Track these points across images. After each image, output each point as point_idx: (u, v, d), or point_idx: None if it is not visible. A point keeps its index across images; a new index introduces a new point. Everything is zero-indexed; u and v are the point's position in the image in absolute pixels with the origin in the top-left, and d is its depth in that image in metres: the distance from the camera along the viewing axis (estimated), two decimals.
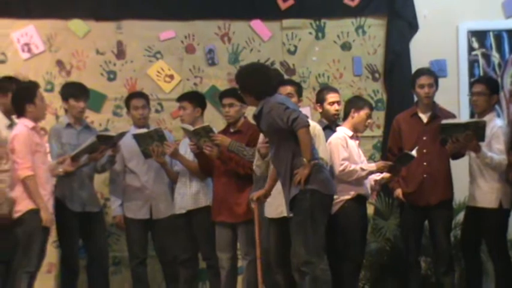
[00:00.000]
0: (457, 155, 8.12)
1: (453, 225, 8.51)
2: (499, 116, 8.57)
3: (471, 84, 8.47)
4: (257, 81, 6.97)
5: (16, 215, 7.54)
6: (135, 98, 8.64)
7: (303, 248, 6.58)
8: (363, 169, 7.88)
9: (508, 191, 7.99)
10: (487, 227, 8.13)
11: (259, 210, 7.30)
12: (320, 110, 8.27)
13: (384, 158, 8.40)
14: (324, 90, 8.45)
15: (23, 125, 7.61)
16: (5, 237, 7.58)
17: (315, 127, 7.61)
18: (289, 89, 7.77)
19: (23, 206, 7.52)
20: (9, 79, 8.19)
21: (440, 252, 8.22)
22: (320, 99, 8.30)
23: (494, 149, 7.97)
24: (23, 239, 7.54)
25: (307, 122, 6.68)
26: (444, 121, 7.85)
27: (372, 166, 7.99)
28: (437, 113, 8.25)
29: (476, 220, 8.18)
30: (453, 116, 8.36)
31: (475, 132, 7.75)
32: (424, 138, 8.12)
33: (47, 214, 7.52)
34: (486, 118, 8.08)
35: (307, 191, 6.64)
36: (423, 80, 8.21)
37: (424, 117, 8.24)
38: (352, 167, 7.81)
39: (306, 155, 6.63)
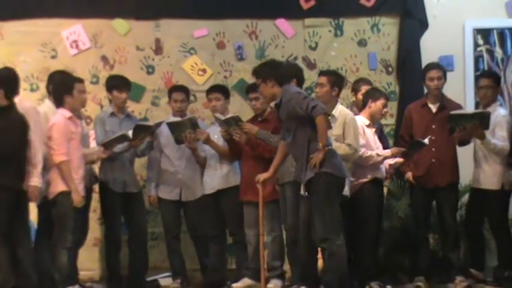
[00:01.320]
0: (464, 142, 8.15)
1: (459, 205, 8.50)
2: (501, 105, 8.53)
3: (477, 78, 8.47)
4: (275, 67, 7.10)
5: (50, 197, 7.60)
6: (176, 91, 8.66)
7: (321, 226, 6.63)
8: (378, 155, 7.94)
9: (509, 174, 8.02)
10: (490, 207, 8.19)
11: (264, 191, 7.30)
12: (354, 99, 8.40)
13: (397, 145, 8.41)
14: (360, 81, 8.58)
15: (61, 115, 7.65)
16: None
17: (348, 114, 7.73)
18: (322, 79, 7.82)
19: (56, 188, 7.56)
20: (60, 73, 8.23)
21: (447, 230, 8.26)
22: (354, 89, 8.45)
23: (497, 136, 8.01)
24: (56, 218, 7.60)
25: (325, 109, 6.69)
26: (452, 112, 7.90)
27: (387, 152, 8.04)
28: (445, 103, 8.27)
29: (480, 201, 8.23)
30: (459, 107, 8.37)
31: (480, 121, 7.79)
32: (433, 126, 8.16)
33: (78, 196, 7.55)
34: (490, 108, 8.13)
35: (322, 174, 6.67)
36: (433, 73, 8.26)
37: (433, 108, 8.27)
38: (369, 153, 7.87)
39: (322, 140, 6.65)
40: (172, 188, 8.56)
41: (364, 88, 8.33)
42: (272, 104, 7.78)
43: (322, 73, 8.07)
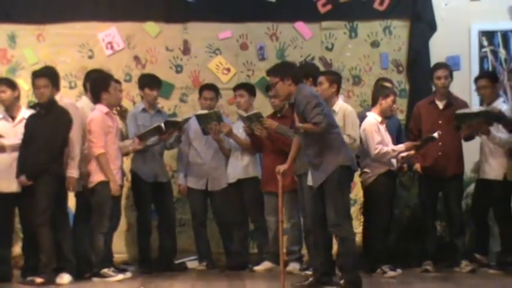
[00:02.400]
0: (469, 138, 8.13)
1: (464, 195, 8.53)
2: (505, 102, 8.48)
3: (475, 80, 8.42)
4: (291, 66, 7.14)
5: (90, 186, 7.70)
6: (207, 89, 8.68)
7: (333, 212, 6.64)
8: (394, 150, 7.97)
9: (508, 166, 8.00)
10: (494, 197, 8.17)
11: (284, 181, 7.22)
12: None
13: (407, 139, 8.32)
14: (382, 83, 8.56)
15: (99, 110, 7.75)
16: None
17: (347, 108, 7.67)
18: (323, 80, 7.66)
19: (96, 178, 7.67)
20: (97, 71, 8.32)
21: (453, 218, 8.28)
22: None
23: (502, 129, 7.98)
24: (95, 206, 7.70)
25: (324, 127, 6.62)
26: (458, 111, 7.89)
27: (401, 147, 8.03)
28: (451, 101, 8.28)
29: (485, 191, 8.22)
30: (465, 104, 8.37)
31: (485, 118, 7.78)
32: (440, 122, 8.16)
33: (115, 185, 7.67)
34: (494, 104, 8.13)
35: (337, 167, 6.68)
36: (440, 72, 8.27)
37: (440, 104, 8.27)
38: (385, 149, 7.90)
39: (303, 127, 6.71)
40: (199, 178, 8.62)
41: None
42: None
43: (321, 73, 7.97)
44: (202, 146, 8.61)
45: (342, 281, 6.62)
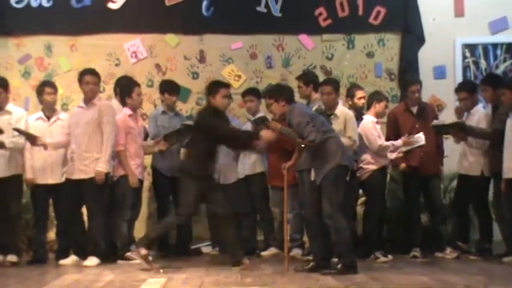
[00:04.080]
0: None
1: (448, 189, 8.60)
2: (484, 107, 8.51)
3: (455, 92, 8.41)
4: (285, 89, 7.20)
5: (114, 179, 7.78)
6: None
7: (328, 205, 6.66)
8: (393, 145, 8.04)
9: (487, 163, 8.02)
10: (473, 191, 8.21)
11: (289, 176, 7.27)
12: (350, 103, 8.29)
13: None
14: (353, 87, 8.49)
15: (123, 112, 7.84)
16: None
17: (348, 113, 7.80)
18: (328, 88, 7.85)
19: (117, 172, 7.77)
20: (124, 78, 8.38)
21: (436, 209, 8.30)
22: (350, 95, 8.36)
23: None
24: (118, 196, 7.77)
25: (317, 141, 6.70)
26: (435, 122, 7.98)
27: (399, 142, 8.08)
28: (422, 105, 8.31)
29: (465, 185, 8.25)
30: (433, 107, 8.52)
31: (458, 128, 7.90)
32: (417, 125, 8.19)
33: (134, 179, 7.72)
34: (473, 111, 8.17)
35: (335, 166, 6.73)
36: (415, 87, 8.27)
37: (414, 110, 8.28)
38: (386, 143, 7.99)
39: (299, 142, 6.86)
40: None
41: (358, 93, 8.30)
42: None
43: (326, 82, 8.04)
44: None
45: (339, 266, 6.65)
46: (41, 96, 7.96)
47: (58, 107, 8.50)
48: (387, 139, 8.26)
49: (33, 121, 7.94)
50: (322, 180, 6.75)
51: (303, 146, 6.80)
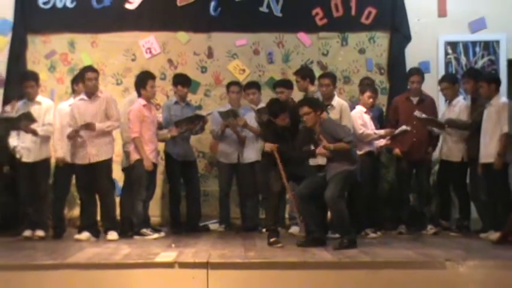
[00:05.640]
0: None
1: (432, 172, 8.53)
2: (464, 98, 8.50)
3: (438, 83, 8.44)
4: (319, 102, 7.27)
5: (130, 163, 7.83)
6: (233, 85, 8.71)
7: (332, 193, 6.75)
8: (375, 133, 8.04)
9: (466, 150, 8.04)
10: (453, 175, 8.24)
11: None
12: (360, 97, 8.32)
13: (384, 127, 8.35)
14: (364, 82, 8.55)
15: (138, 102, 7.85)
16: None
17: (343, 104, 7.84)
18: (327, 81, 7.90)
19: (134, 156, 7.78)
20: (142, 72, 8.29)
21: (423, 191, 8.33)
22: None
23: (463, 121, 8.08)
24: (134, 178, 7.80)
25: (351, 142, 6.94)
26: (416, 113, 8.01)
27: (382, 132, 8.12)
28: (423, 97, 8.31)
29: (446, 169, 8.27)
30: (433, 101, 8.43)
31: (434, 122, 8.03)
32: (415, 113, 8.11)
33: (148, 162, 7.72)
34: (454, 102, 8.21)
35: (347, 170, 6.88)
36: (414, 78, 8.30)
37: (414, 100, 8.29)
38: (368, 131, 7.97)
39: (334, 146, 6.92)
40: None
41: (367, 95, 8.21)
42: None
43: (325, 76, 8.07)
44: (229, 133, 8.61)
45: (345, 241, 6.68)
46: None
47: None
48: (389, 124, 8.29)
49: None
50: (334, 174, 6.81)
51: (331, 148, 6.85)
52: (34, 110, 7.87)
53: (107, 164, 7.74)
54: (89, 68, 7.89)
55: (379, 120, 8.46)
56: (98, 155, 7.67)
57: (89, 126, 7.60)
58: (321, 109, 7.05)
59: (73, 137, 7.65)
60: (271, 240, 6.96)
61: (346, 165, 6.87)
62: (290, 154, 7.09)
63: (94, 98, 7.75)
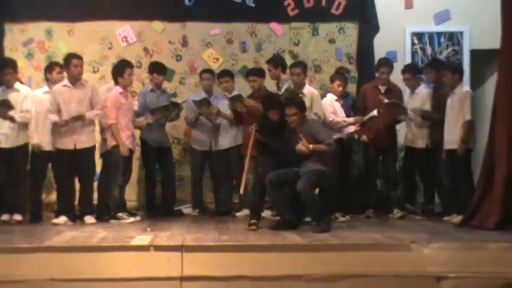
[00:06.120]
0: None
1: (399, 158, 8.58)
2: (425, 87, 8.51)
3: (402, 72, 8.44)
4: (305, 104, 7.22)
5: (107, 149, 7.77)
6: (205, 72, 8.67)
7: (305, 183, 6.77)
8: (344, 121, 8.05)
9: (430, 136, 8.10)
10: (418, 160, 8.29)
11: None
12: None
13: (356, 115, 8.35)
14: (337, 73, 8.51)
15: (115, 90, 7.80)
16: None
17: (314, 92, 7.81)
18: (298, 70, 7.87)
19: (110, 142, 7.73)
20: (120, 61, 8.21)
21: (390, 177, 8.37)
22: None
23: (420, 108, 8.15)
24: (111, 164, 7.75)
25: (332, 145, 7.05)
26: (380, 97, 8.09)
27: (351, 119, 8.13)
28: (391, 87, 8.33)
29: (411, 156, 8.34)
30: (400, 90, 8.44)
31: (395, 106, 8.06)
32: (380, 97, 8.16)
33: (124, 148, 7.66)
34: (417, 90, 8.27)
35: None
36: (383, 68, 8.31)
37: (382, 89, 8.30)
38: (337, 119, 7.98)
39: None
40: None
41: (336, 84, 8.23)
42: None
43: (296, 65, 8.03)
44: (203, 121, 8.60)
45: (321, 224, 6.72)
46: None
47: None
48: (358, 111, 8.30)
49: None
50: (308, 170, 6.85)
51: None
52: (12, 97, 7.79)
53: (92, 150, 7.73)
54: (74, 55, 7.78)
55: (352, 109, 8.48)
56: (85, 142, 7.64)
57: (80, 118, 7.57)
58: (305, 110, 7.12)
59: (61, 126, 7.59)
60: (252, 221, 6.98)
61: (319, 166, 6.90)
62: (280, 149, 7.10)
63: (78, 85, 7.67)
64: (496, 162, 6.89)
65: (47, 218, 7.85)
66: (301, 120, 7.03)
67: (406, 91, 8.58)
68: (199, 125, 8.59)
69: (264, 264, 5.59)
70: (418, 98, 8.24)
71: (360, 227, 7.13)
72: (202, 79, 8.64)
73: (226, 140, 8.48)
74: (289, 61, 8.70)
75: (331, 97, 8.13)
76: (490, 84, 8.65)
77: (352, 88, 9.13)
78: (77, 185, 7.81)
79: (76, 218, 7.65)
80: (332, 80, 8.27)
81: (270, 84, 8.51)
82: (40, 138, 7.80)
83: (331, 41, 9.47)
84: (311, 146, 6.89)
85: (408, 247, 5.72)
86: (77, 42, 9.20)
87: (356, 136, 8.36)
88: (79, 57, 7.75)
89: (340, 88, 8.18)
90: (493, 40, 7.53)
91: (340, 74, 8.47)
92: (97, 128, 8.09)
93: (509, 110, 6.86)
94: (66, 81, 7.70)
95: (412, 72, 8.38)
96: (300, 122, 7.02)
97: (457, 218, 7.37)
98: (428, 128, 8.15)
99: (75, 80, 7.66)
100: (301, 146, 6.91)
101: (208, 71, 8.78)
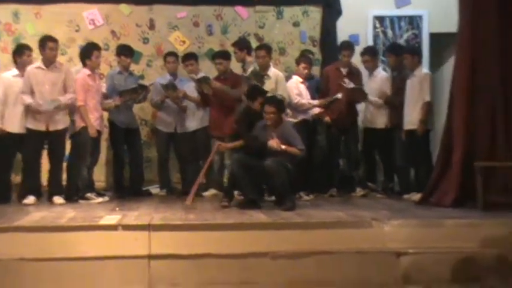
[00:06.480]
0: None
1: (360, 138, 8.64)
2: (384, 69, 8.68)
3: (360, 55, 8.50)
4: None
5: (76, 130, 7.70)
6: (169, 55, 8.63)
7: (275, 163, 6.83)
8: (309, 103, 8.08)
9: (389, 116, 8.19)
10: (378, 141, 8.39)
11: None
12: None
13: (320, 97, 8.40)
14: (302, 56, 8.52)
15: (83, 72, 7.73)
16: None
17: (279, 74, 7.84)
18: (263, 52, 7.88)
19: (79, 124, 7.66)
20: (87, 44, 8.16)
21: (352, 156, 8.45)
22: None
23: (383, 91, 8.23)
24: (80, 145, 7.69)
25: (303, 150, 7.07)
26: (346, 85, 8.11)
27: (316, 102, 8.16)
28: (352, 69, 8.38)
29: (371, 136, 8.43)
30: (360, 71, 8.48)
31: (357, 91, 8.12)
32: (340, 81, 8.21)
33: (92, 129, 7.62)
34: (376, 73, 8.36)
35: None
36: (345, 52, 8.33)
37: (344, 71, 8.33)
38: (302, 101, 8.00)
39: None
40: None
41: (302, 66, 8.25)
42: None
43: (260, 47, 8.03)
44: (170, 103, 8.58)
45: (288, 203, 6.73)
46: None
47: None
48: (320, 93, 8.31)
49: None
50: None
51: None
52: None
53: (64, 132, 7.67)
54: (50, 38, 7.64)
55: (317, 91, 8.49)
56: (57, 124, 7.57)
57: (58, 107, 7.52)
58: (284, 111, 7.17)
59: (37, 113, 7.51)
60: (224, 199, 7.05)
61: (287, 162, 6.94)
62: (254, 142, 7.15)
63: (52, 68, 7.56)
64: (454, 143, 6.99)
65: (16, 198, 7.73)
66: (278, 119, 7.07)
67: (364, 73, 8.63)
68: (165, 107, 8.55)
69: (231, 243, 5.61)
70: (377, 81, 8.33)
71: (324, 206, 7.16)
72: (167, 62, 8.59)
73: (193, 122, 8.46)
74: (254, 44, 8.69)
75: (296, 79, 8.14)
76: (448, 67, 8.74)
77: (316, 70, 9.12)
78: (46, 166, 7.75)
79: (41, 196, 7.58)
80: (298, 62, 8.28)
81: (235, 67, 8.50)
82: (7, 121, 7.63)
83: (295, 24, 9.46)
84: (283, 146, 6.92)
85: (369, 224, 5.77)
86: (44, 24, 9.06)
87: (319, 117, 8.39)
88: (55, 40, 7.63)
89: (306, 70, 8.19)
90: (450, 24, 7.62)
91: (305, 56, 8.48)
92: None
93: (466, 93, 6.95)
94: (40, 63, 7.60)
95: (371, 54, 8.44)
96: (276, 121, 7.06)
97: (416, 196, 7.46)
98: (387, 109, 8.21)
99: (50, 63, 7.56)
100: (273, 142, 6.93)
101: (173, 54, 8.73)
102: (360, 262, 5.58)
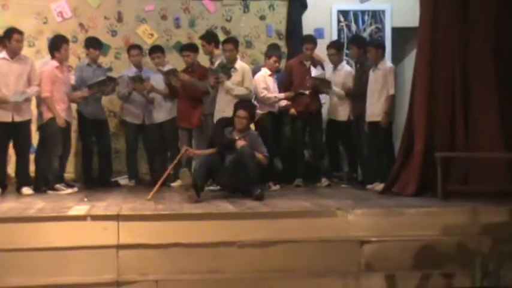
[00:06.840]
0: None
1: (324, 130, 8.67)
2: (348, 63, 8.74)
3: (327, 48, 8.54)
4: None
5: (44, 121, 7.64)
6: (133, 49, 8.57)
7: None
8: (275, 96, 8.08)
9: (351, 108, 8.26)
10: (341, 132, 8.47)
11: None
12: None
13: (283, 90, 8.36)
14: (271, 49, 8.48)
15: (51, 64, 7.65)
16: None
17: (245, 67, 7.83)
18: (230, 46, 7.85)
19: (47, 115, 7.60)
20: (55, 36, 8.03)
21: (316, 147, 8.48)
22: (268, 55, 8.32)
23: (347, 85, 8.28)
24: (49, 136, 7.62)
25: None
26: (317, 76, 8.17)
27: (282, 95, 8.15)
28: (314, 62, 8.40)
29: (334, 127, 8.50)
30: (322, 64, 8.54)
31: (321, 82, 8.15)
32: (307, 77, 8.26)
33: (60, 120, 7.55)
34: (339, 67, 8.41)
35: None
36: (307, 45, 8.32)
37: (307, 64, 8.35)
38: (269, 95, 8.00)
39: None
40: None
41: (273, 60, 8.22)
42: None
43: (228, 41, 8.00)
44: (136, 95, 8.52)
45: (258, 192, 6.72)
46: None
47: None
48: (284, 86, 8.29)
49: None
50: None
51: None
52: None
53: (28, 123, 7.60)
54: (16, 30, 7.54)
55: (282, 84, 8.48)
56: (22, 115, 7.48)
57: (27, 100, 7.46)
58: (254, 119, 7.26)
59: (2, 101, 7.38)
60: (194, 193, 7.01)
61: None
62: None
63: (17, 59, 7.47)
64: (415, 135, 7.06)
65: None
66: (247, 126, 7.17)
67: (329, 67, 8.66)
68: (132, 99, 8.50)
69: (199, 232, 5.60)
70: (341, 74, 8.38)
71: (289, 196, 7.18)
72: (131, 55, 8.54)
73: (161, 113, 8.41)
74: (221, 37, 8.65)
75: (265, 72, 8.13)
76: (410, 61, 8.79)
77: (282, 64, 9.03)
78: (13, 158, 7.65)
79: (6, 188, 7.50)
80: (268, 55, 8.24)
81: (203, 60, 8.47)
82: None
83: (262, 18, 9.44)
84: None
85: (334, 214, 5.80)
86: (11, 16, 8.90)
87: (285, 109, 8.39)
88: (20, 33, 7.54)
89: (276, 64, 8.20)
90: (412, 18, 7.68)
91: (276, 50, 8.47)
92: (33, 101, 7.90)
93: (426, 86, 7.02)
94: (4, 54, 7.48)
95: (336, 48, 8.48)
96: (244, 127, 7.14)
97: (379, 186, 7.52)
98: (349, 102, 8.27)
99: (14, 54, 7.46)
100: (241, 142, 6.95)
101: (136, 46, 8.67)
102: (324, 250, 5.61)
